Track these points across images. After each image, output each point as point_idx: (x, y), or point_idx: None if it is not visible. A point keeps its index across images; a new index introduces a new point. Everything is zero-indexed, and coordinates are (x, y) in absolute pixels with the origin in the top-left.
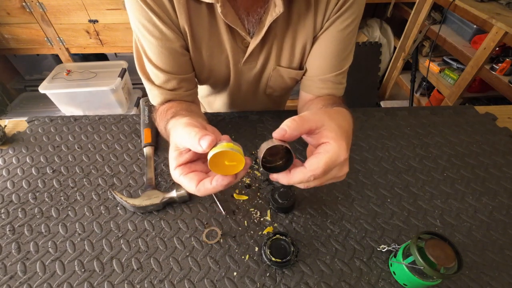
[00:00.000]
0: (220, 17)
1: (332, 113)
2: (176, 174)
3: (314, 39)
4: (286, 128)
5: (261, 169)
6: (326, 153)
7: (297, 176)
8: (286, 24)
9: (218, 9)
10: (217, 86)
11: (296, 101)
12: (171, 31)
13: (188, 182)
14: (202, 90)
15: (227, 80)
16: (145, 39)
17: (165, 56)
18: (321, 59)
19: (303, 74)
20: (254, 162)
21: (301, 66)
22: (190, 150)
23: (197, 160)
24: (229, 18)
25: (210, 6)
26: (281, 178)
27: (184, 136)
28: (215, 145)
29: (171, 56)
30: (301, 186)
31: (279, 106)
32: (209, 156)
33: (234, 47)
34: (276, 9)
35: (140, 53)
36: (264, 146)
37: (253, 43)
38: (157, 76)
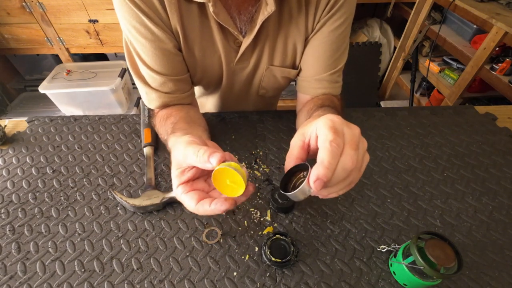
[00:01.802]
0: (212, 16)
1: (307, 121)
2: (179, 192)
3: (307, 40)
4: (286, 168)
5: (261, 168)
6: (321, 126)
7: (324, 157)
8: (278, 24)
9: (210, 8)
10: (210, 87)
11: (295, 101)
12: (163, 32)
13: (189, 201)
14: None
15: (219, 80)
16: (137, 41)
17: (159, 58)
18: (315, 59)
19: (297, 74)
20: (254, 161)
21: (294, 65)
22: (192, 168)
23: (199, 178)
24: (221, 17)
25: (201, 6)
26: (317, 171)
27: (191, 156)
28: (223, 161)
29: (165, 57)
30: (349, 163)
31: (271, 107)
32: (214, 170)
33: (226, 46)
34: (268, 8)
35: (133, 55)
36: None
37: (246, 42)
38: (154, 79)
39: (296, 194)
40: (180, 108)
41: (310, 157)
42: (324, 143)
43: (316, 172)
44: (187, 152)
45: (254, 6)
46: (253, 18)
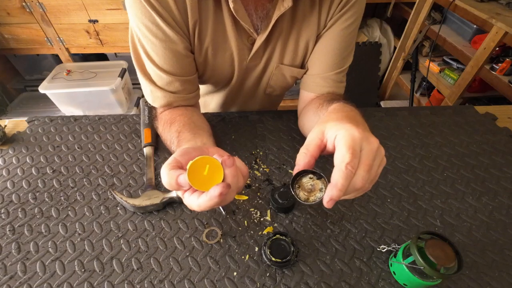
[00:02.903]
0: (227, 13)
1: (327, 115)
2: (186, 198)
3: (317, 37)
4: (300, 163)
5: (261, 168)
6: (341, 140)
7: (338, 180)
8: (291, 22)
9: (231, 4)
10: (218, 85)
11: (295, 101)
12: (175, 33)
13: (192, 200)
14: (200, 89)
15: (229, 79)
16: (147, 40)
17: (169, 58)
18: (323, 57)
19: (304, 73)
20: (254, 161)
21: (303, 65)
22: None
23: None
24: (240, 14)
25: (218, 2)
26: (331, 193)
27: (167, 183)
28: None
29: (174, 58)
30: (359, 184)
31: (275, 106)
32: (187, 175)
33: (239, 44)
34: (285, 3)
35: (139, 53)
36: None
37: (260, 39)
38: (161, 78)
39: (308, 205)
40: (184, 112)
41: (322, 154)
42: (340, 164)
43: (329, 193)
44: (166, 178)
45: (271, 1)
46: (268, 14)
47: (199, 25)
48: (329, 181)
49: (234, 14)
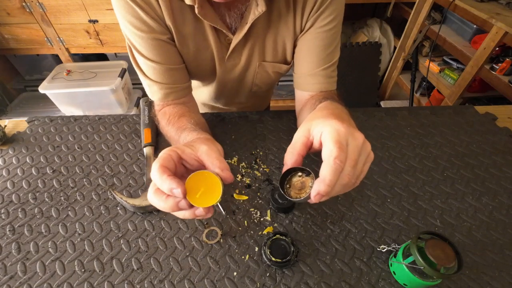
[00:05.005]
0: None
1: (313, 113)
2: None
3: (297, 39)
4: (287, 162)
5: (261, 168)
6: (327, 135)
7: (326, 175)
8: (268, 23)
9: (196, 10)
10: (205, 80)
11: (294, 101)
12: (158, 24)
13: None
14: None
15: (213, 75)
16: (134, 35)
17: (155, 49)
18: (308, 56)
19: (292, 70)
20: (254, 161)
21: (285, 61)
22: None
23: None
24: (209, 18)
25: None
26: (318, 187)
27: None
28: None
29: (160, 47)
30: (345, 180)
31: (265, 101)
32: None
33: (217, 43)
34: (259, 8)
35: (133, 51)
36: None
37: (236, 39)
38: (152, 69)
39: (296, 202)
40: (190, 111)
41: (309, 152)
42: (329, 159)
43: (317, 188)
44: (157, 179)
45: (244, 4)
46: (243, 15)
47: (175, 25)
48: (317, 177)
49: (202, 18)
